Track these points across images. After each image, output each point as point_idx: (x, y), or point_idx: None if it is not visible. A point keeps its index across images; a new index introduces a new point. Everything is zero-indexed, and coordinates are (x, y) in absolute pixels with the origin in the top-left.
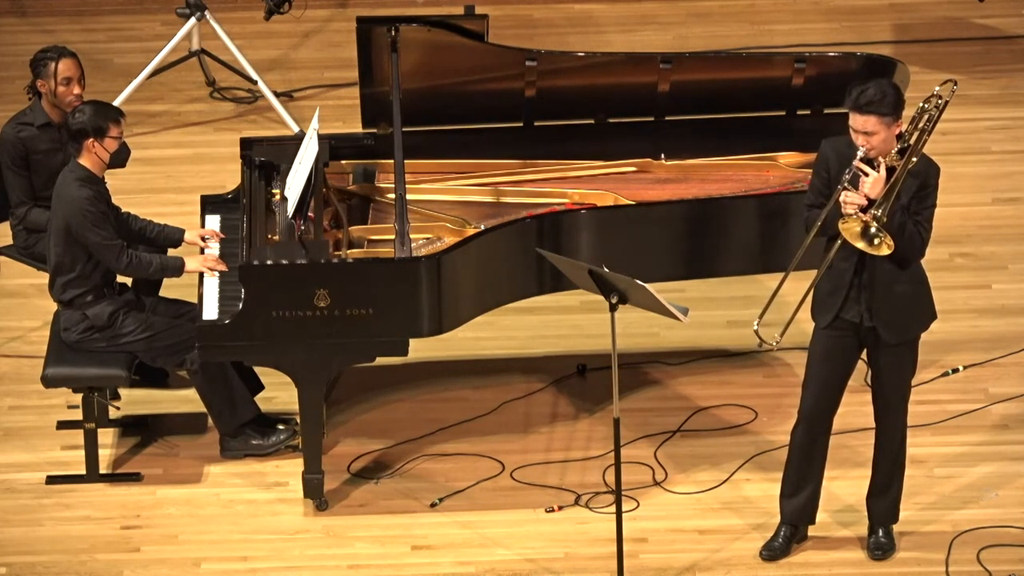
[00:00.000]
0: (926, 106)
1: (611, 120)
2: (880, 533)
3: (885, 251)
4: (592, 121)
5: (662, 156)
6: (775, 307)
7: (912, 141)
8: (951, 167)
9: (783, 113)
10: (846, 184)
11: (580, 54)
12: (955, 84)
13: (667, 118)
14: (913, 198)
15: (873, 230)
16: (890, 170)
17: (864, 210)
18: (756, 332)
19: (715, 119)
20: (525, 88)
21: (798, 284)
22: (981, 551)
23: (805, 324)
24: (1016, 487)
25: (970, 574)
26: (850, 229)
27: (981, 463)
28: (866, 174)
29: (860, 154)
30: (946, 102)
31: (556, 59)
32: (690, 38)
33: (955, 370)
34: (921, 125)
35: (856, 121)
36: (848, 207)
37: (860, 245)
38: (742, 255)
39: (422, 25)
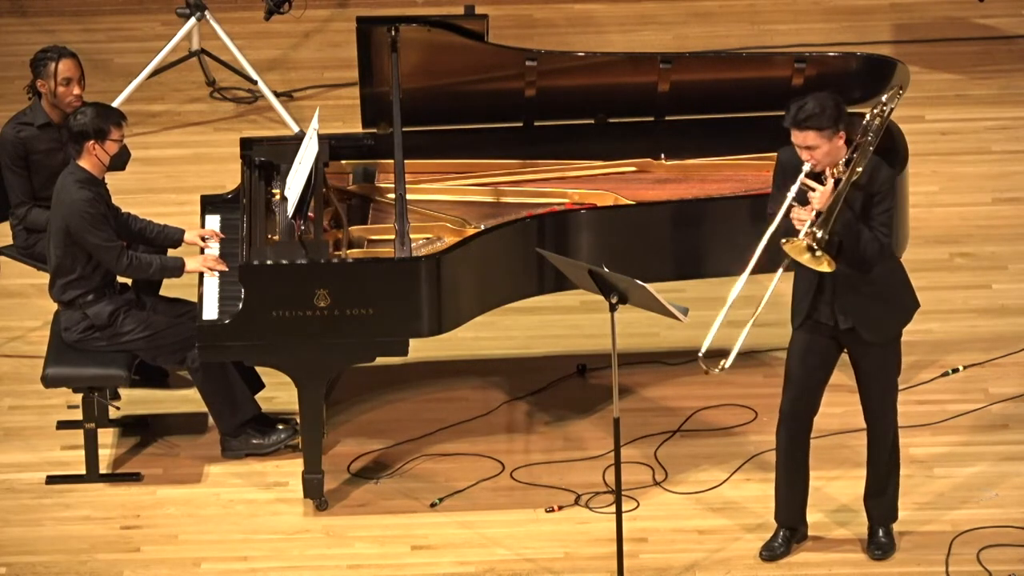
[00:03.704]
0: (875, 110)
1: (611, 120)
2: (880, 533)
3: (826, 268)
4: (592, 121)
5: (662, 156)
6: (771, 307)
7: (852, 154)
8: (951, 167)
9: (783, 113)
10: (792, 201)
11: (580, 54)
12: (901, 90)
13: (667, 118)
14: (866, 206)
15: (813, 248)
16: (839, 182)
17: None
18: (699, 359)
19: (715, 119)
20: (525, 88)
21: (788, 284)
22: (981, 551)
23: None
24: (1016, 487)
25: (970, 574)
26: (794, 247)
27: (981, 463)
28: (813, 189)
29: (806, 169)
30: (890, 109)
31: (556, 59)
32: (690, 38)
33: (955, 370)
34: (864, 136)
35: (796, 137)
36: (797, 223)
37: (804, 259)
38: (742, 255)
39: (422, 25)
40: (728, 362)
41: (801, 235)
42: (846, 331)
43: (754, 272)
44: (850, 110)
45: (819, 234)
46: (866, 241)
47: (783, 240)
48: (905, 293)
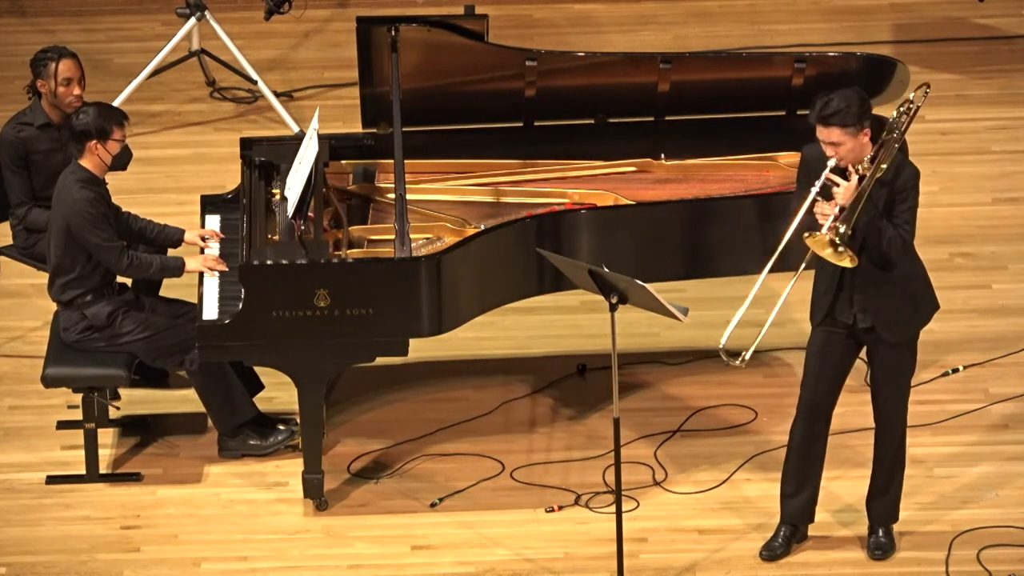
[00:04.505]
0: (902, 108)
1: (611, 120)
2: (880, 533)
3: (848, 263)
4: (592, 121)
5: (662, 156)
6: (772, 306)
7: (878, 151)
8: (951, 167)
9: (783, 113)
10: (816, 195)
11: (580, 54)
12: (928, 87)
13: (667, 118)
14: (889, 203)
15: (836, 243)
16: (863, 178)
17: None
18: (721, 350)
19: (715, 119)
20: (525, 88)
21: (801, 284)
22: (981, 551)
23: (804, 324)
24: (1016, 487)
25: (970, 574)
26: (817, 241)
27: (981, 463)
28: (837, 184)
29: (831, 164)
30: (917, 107)
31: (556, 59)
32: (690, 38)
33: (955, 370)
34: (891, 134)
35: (821, 132)
36: (821, 218)
37: (826, 254)
38: (742, 255)
39: (422, 25)
40: (748, 355)
41: (824, 229)
42: (864, 330)
43: (773, 270)
44: None
45: (842, 229)
46: (889, 238)
47: (806, 234)
48: (925, 294)
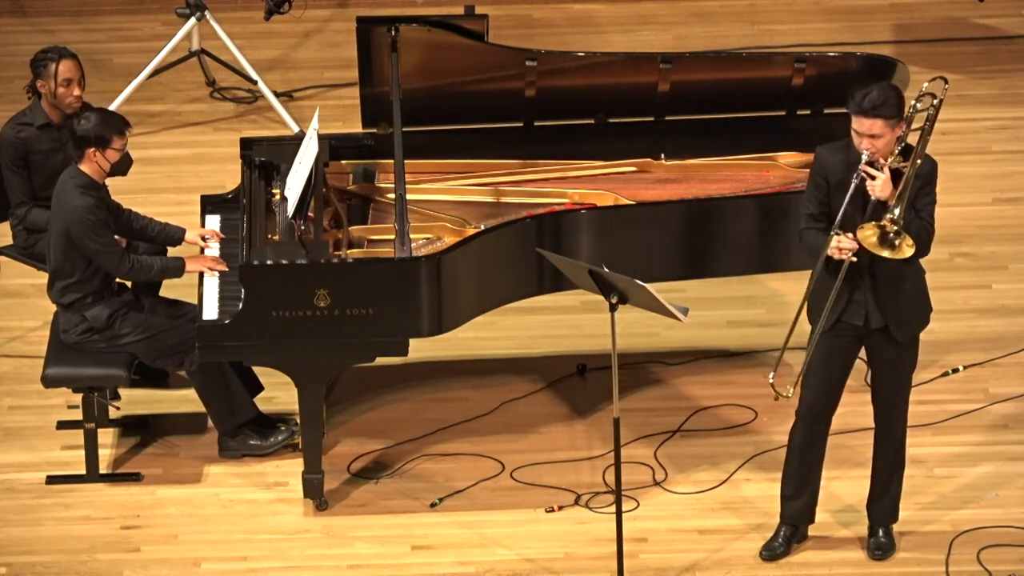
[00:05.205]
0: (919, 106)
1: (611, 120)
2: (880, 533)
3: (907, 252)
4: (592, 121)
5: (662, 156)
6: (772, 306)
7: (916, 142)
8: (951, 167)
9: (783, 113)
10: (857, 180)
11: (580, 54)
12: (945, 81)
13: (667, 118)
14: (916, 195)
15: (892, 234)
16: (893, 171)
17: (873, 218)
18: (772, 385)
19: (715, 119)
20: (525, 88)
21: (801, 284)
22: (981, 551)
23: (804, 324)
24: (1016, 487)
25: (970, 574)
26: (868, 238)
27: (981, 463)
28: (872, 177)
29: (865, 157)
30: (941, 100)
31: (556, 59)
32: (690, 38)
33: (955, 370)
34: (923, 125)
35: (862, 125)
36: (843, 253)
37: (884, 253)
38: (742, 255)
39: (422, 25)
40: (791, 391)
41: (871, 222)
42: (874, 331)
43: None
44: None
45: (897, 213)
46: (917, 230)
47: (859, 228)
48: (926, 293)
